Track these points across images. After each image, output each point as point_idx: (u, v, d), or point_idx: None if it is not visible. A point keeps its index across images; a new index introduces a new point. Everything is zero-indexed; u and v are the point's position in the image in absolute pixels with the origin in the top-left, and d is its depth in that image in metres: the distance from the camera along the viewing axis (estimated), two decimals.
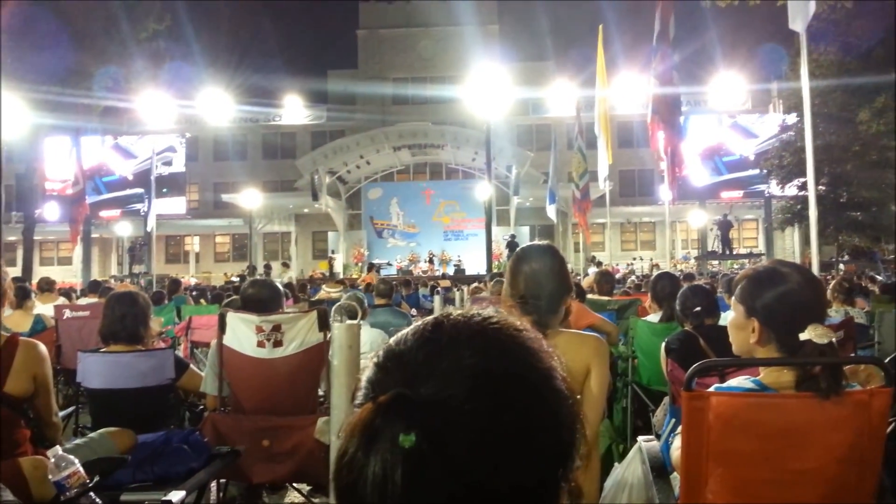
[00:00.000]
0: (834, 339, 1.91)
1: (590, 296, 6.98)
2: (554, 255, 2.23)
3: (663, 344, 3.87)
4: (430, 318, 0.75)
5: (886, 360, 3.16)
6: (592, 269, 23.81)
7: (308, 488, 4.21)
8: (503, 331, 0.73)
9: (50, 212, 28.07)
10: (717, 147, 28.86)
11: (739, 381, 2.04)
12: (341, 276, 23.27)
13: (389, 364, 0.70)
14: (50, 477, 2.20)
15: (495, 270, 17.22)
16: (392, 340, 0.73)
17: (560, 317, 2.19)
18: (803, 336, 1.88)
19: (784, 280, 1.95)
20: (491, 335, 0.71)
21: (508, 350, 0.71)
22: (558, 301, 2.15)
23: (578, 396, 2.04)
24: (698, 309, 3.94)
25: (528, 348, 0.72)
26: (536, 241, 2.39)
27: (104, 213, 30.33)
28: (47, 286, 8.79)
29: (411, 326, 0.74)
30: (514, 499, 0.65)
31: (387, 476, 0.61)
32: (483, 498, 0.63)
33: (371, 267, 24.45)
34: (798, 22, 6.04)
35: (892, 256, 24.89)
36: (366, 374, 0.72)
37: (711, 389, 2.05)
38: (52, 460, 2.25)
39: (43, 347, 2.91)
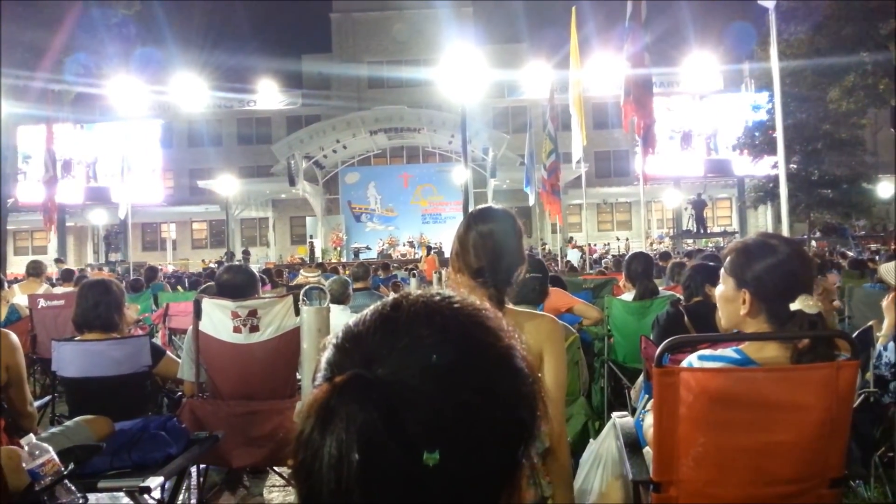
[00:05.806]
0: (822, 309, 1.92)
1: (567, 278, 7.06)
2: (512, 220, 1.97)
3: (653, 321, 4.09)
4: (389, 298, 0.74)
5: (854, 335, 3.24)
6: (573, 252, 23.92)
7: (289, 472, 4.22)
8: (462, 310, 0.72)
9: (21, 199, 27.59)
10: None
11: (724, 351, 2.04)
12: (320, 261, 23.08)
13: (348, 345, 0.70)
14: (24, 465, 2.19)
15: None
16: (351, 321, 0.73)
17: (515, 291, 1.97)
18: (794, 306, 1.88)
19: (774, 251, 1.95)
20: (449, 315, 0.70)
21: (467, 329, 0.70)
22: (514, 272, 1.93)
23: (540, 375, 2.00)
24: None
25: (487, 327, 0.71)
26: (492, 205, 2.02)
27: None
28: (34, 271, 8.56)
29: (371, 307, 0.73)
30: (472, 478, 0.64)
31: (342, 456, 0.60)
32: (441, 478, 0.62)
33: (430, 249, 23.89)
34: None
35: (863, 233, 25.30)
36: (325, 354, 0.71)
37: (693, 357, 2.06)
38: (26, 449, 2.24)
39: (14, 337, 2.89)
